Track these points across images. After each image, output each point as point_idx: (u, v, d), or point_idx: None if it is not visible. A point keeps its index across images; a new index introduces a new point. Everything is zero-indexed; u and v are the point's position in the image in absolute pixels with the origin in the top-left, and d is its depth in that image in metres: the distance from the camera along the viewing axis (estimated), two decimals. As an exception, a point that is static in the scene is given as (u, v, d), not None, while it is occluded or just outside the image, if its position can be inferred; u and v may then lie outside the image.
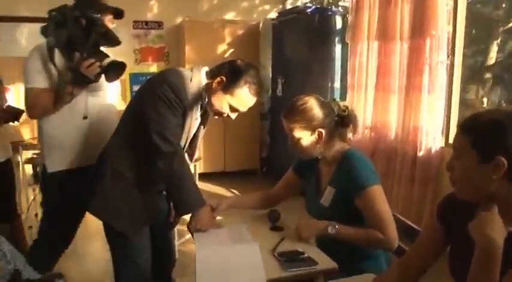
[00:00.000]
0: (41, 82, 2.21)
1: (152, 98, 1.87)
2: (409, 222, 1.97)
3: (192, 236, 2.00)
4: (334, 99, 1.97)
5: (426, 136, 3.48)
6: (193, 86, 1.93)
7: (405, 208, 3.58)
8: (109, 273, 3.19)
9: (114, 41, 2.23)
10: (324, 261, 1.69)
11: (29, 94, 2.23)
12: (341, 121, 1.91)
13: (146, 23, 5.88)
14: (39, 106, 2.22)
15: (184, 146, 2.04)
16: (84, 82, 2.16)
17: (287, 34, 5.27)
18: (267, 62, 5.85)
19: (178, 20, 5.89)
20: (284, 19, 5.29)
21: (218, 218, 2.08)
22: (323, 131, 1.86)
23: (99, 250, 3.73)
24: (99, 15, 2.20)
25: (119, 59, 2.17)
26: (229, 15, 6.14)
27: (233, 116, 2.00)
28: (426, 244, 1.45)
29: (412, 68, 3.57)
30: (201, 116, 2.06)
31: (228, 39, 5.73)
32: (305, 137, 1.87)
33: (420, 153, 3.50)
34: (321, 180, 1.99)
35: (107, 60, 2.14)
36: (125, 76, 5.67)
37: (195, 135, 2.12)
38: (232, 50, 5.73)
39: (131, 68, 5.62)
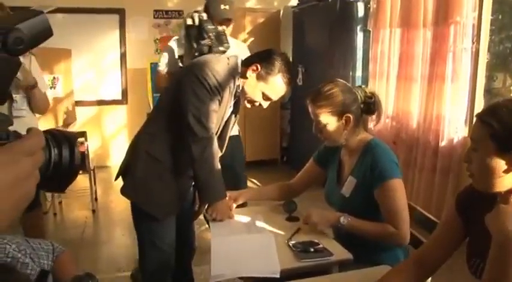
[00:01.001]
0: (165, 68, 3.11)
1: (193, 82, 1.89)
2: (428, 215, 1.94)
3: (208, 225, 2.03)
4: (361, 86, 1.94)
5: (449, 126, 3.42)
6: (229, 73, 1.95)
7: (426, 199, 3.53)
8: (130, 259, 3.28)
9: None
10: (339, 252, 1.69)
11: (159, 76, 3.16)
12: (367, 108, 1.88)
13: (167, 12, 5.89)
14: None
15: (217, 133, 2.06)
16: None
17: (308, 22, 5.22)
18: (288, 50, 5.80)
19: (199, 8, 5.88)
20: (305, 7, 5.23)
21: (234, 207, 2.09)
22: (351, 117, 1.83)
23: (121, 237, 3.81)
24: None
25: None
26: (250, 3, 6.11)
27: (265, 104, 2.01)
28: (444, 236, 1.44)
29: (435, 56, 3.50)
30: (234, 104, 2.09)
31: (249, 28, 5.71)
32: (332, 123, 1.83)
33: (442, 144, 3.44)
34: (342, 170, 1.96)
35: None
36: (146, 65, 5.78)
37: (227, 123, 2.14)
38: (252, 38, 5.71)
39: (152, 57, 5.67)
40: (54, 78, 4.80)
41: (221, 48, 2.53)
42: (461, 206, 1.41)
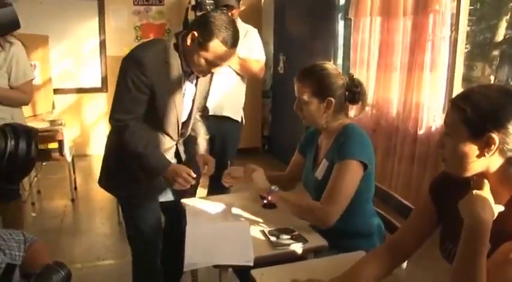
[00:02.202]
0: None
1: (119, 76, 1.90)
2: (406, 202, 1.94)
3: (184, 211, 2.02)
4: (350, 74, 1.92)
5: (427, 114, 3.44)
6: (157, 62, 1.89)
7: (404, 186, 3.56)
8: (109, 248, 3.26)
9: None
10: (314, 239, 1.70)
11: None
12: (351, 96, 1.87)
13: (147, -2, 5.80)
14: None
15: (186, 119, 2.11)
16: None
17: (289, 10, 5.19)
18: (269, 38, 5.78)
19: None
20: (286, -6, 5.20)
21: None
22: (333, 101, 1.82)
23: (100, 226, 3.78)
24: None
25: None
26: (232, -9, 6.04)
27: (215, 71, 1.96)
28: (418, 222, 1.44)
29: (414, 45, 3.50)
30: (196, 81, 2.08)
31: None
32: (313, 103, 1.83)
33: (421, 131, 3.47)
34: (318, 154, 1.97)
35: None
36: (126, 53, 5.68)
37: (193, 104, 2.13)
38: (234, 26, 5.66)
39: (132, 44, 5.56)
40: (31, 65, 4.68)
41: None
42: (435, 191, 1.41)
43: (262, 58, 3.18)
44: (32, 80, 2.75)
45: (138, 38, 5.85)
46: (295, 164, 2.17)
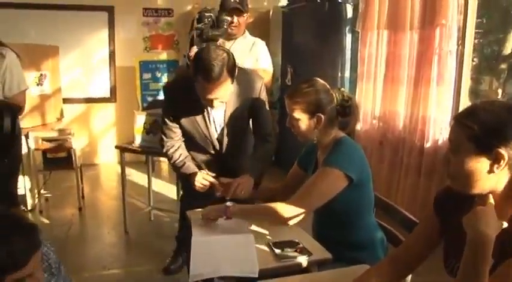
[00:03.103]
0: None
1: None
2: (412, 217, 1.94)
3: (190, 222, 2.04)
4: (340, 88, 1.97)
5: (434, 127, 3.45)
6: (188, 81, 2.15)
7: (411, 199, 3.57)
8: (116, 257, 3.27)
9: None
10: (318, 252, 1.70)
11: None
12: (342, 111, 1.92)
13: (156, 10, 5.88)
14: None
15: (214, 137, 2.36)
16: None
17: (297, 22, 5.23)
18: (277, 50, 5.81)
19: (188, 7, 5.88)
20: (294, 7, 5.25)
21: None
22: (322, 117, 1.86)
23: (106, 235, 3.80)
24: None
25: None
26: (240, 3, 6.10)
27: (210, 104, 2.11)
28: (421, 236, 1.45)
29: (421, 59, 3.53)
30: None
31: (238, 27, 5.70)
32: (304, 119, 1.88)
33: (427, 144, 3.48)
34: (317, 168, 1.97)
35: None
36: (135, 64, 5.76)
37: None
38: (242, 38, 5.71)
39: (141, 55, 5.65)
40: (41, 75, 4.76)
41: (214, 33, 2.62)
42: (439, 206, 1.42)
43: (269, 68, 3.21)
44: (26, 90, 2.76)
45: (147, 49, 5.92)
46: (291, 176, 2.19)
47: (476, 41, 3.48)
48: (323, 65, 4.73)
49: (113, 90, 5.91)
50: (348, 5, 4.60)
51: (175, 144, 2.37)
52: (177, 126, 2.33)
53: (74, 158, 4.14)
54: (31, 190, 4.22)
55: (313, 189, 1.79)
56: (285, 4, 5.62)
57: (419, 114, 3.55)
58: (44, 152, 4.18)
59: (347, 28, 4.63)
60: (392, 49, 3.86)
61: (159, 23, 5.92)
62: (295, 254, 1.67)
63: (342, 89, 1.98)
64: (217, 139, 2.37)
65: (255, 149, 2.41)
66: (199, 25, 2.66)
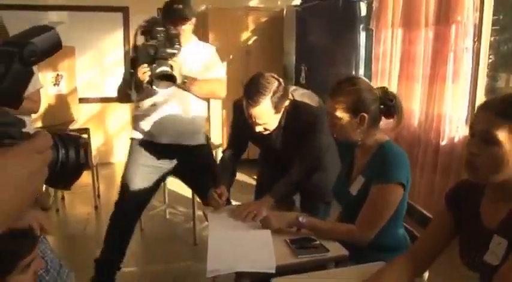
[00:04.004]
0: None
1: None
2: (429, 214, 1.93)
3: (206, 219, 2.05)
4: (384, 87, 1.88)
5: (450, 125, 3.42)
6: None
7: (427, 196, 3.53)
8: (131, 255, 3.29)
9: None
10: (336, 249, 1.70)
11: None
12: (386, 110, 1.82)
13: (170, 10, 5.91)
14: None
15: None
16: (140, 87, 2.45)
17: (311, 21, 5.22)
18: (291, 49, 5.82)
19: (202, 7, 5.90)
20: (308, 6, 5.24)
21: (234, 203, 2.12)
22: (366, 117, 1.77)
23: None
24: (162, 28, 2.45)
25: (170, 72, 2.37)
26: (253, 2, 6.11)
27: (254, 127, 2.11)
28: (436, 231, 1.46)
29: (436, 56, 3.49)
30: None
31: (252, 27, 5.72)
32: (346, 119, 1.79)
33: (443, 142, 3.44)
34: (353, 167, 1.95)
35: (158, 70, 2.35)
36: (150, 63, 5.79)
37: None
38: (255, 37, 5.72)
39: (155, 55, 5.66)
40: (57, 75, 4.82)
41: (169, 51, 2.42)
42: (451, 202, 1.42)
43: (224, 77, 2.90)
44: (40, 88, 2.80)
45: (162, 49, 5.95)
46: None
47: (492, 38, 3.44)
48: (337, 63, 4.72)
49: (128, 90, 5.94)
50: (361, 3, 4.58)
51: (230, 159, 2.40)
52: (241, 143, 2.41)
53: (89, 157, 4.18)
54: (47, 189, 4.28)
55: (379, 209, 1.74)
56: (299, 3, 5.61)
57: (435, 111, 3.52)
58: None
59: (361, 26, 4.61)
60: (407, 47, 3.82)
61: (174, 23, 5.95)
62: (312, 250, 1.67)
63: (386, 87, 1.89)
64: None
65: (291, 170, 2.26)
66: (153, 42, 2.41)
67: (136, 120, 2.77)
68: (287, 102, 2.09)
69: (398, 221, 1.87)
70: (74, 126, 4.88)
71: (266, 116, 2.03)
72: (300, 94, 2.23)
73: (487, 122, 1.20)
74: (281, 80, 2.07)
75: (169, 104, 2.64)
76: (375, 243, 1.77)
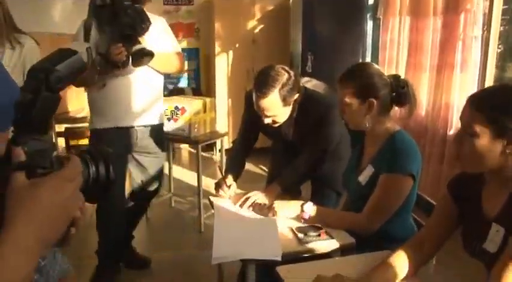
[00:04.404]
0: None
1: None
2: (435, 203, 1.92)
3: (212, 207, 2.06)
4: (396, 75, 1.84)
5: (457, 114, 3.39)
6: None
7: (434, 186, 3.52)
8: (136, 244, 3.31)
9: (141, 28, 2.31)
10: (342, 237, 1.70)
11: None
12: (397, 98, 1.78)
13: (177, -2, 5.88)
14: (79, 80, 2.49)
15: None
16: (112, 68, 2.33)
17: (318, 9, 5.17)
18: (298, 37, 5.77)
19: (208, -5, 5.87)
20: (315, -6, 5.19)
21: (234, 187, 2.13)
22: (375, 102, 1.74)
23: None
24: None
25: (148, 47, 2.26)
26: (260, -10, 6.06)
27: (262, 118, 2.09)
28: (439, 220, 1.46)
29: (444, 45, 3.45)
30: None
31: (258, 15, 5.67)
32: (355, 104, 1.76)
33: (450, 132, 3.42)
34: (362, 156, 1.93)
35: (135, 48, 2.24)
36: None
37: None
38: (262, 25, 5.68)
39: (161, 43, 5.64)
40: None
41: (144, 26, 2.33)
42: (454, 192, 1.43)
43: (179, 49, 2.81)
44: None
45: (168, 38, 5.93)
46: None
47: (502, 28, 3.39)
48: (344, 51, 4.68)
49: (134, 78, 5.94)
50: (369, -9, 4.52)
51: (240, 150, 2.41)
52: (252, 134, 2.39)
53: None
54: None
55: (387, 199, 1.73)
56: (305, -9, 5.56)
57: (443, 101, 3.49)
58: (67, 139, 4.24)
59: (368, 15, 4.56)
60: (415, 35, 3.78)
61: (180, 11, 5.92)
62: (318, 238, 1.67)
63: (398, 74, 1.85)
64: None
65: (298, 159, 2.25)
66: (127, 19, 2.29)
67: (96, 108, 2.63)
68: (297, 95, 2.07)
69: (407, 212, 1.86)
70: (79, 114, 4.88)
71: (275, 108, 2.02)
72: (313, 85, 2.21)
73: (467, 116, 1.24)
74: (292, 72, 2.04)
75: (130, 83, 2.55)
76: (383, 233, 1.76)
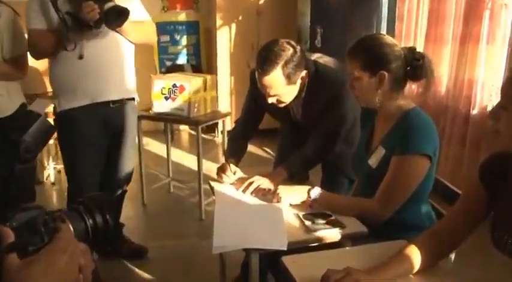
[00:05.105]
0: (38, 23, 2.40)
1: None
2: (456, 189, 1.88)
3: (213, 192, 2.05)
4: (411, 47, 1.80)
5: (482, 92, 3.34)
6: None
7: (454, 171, 3.48)
8: (133, 232, 3.31)
9: None
10: (353, 225, 1.68)
11: (29, 35, 2.48)
12: (412, 72, 1.74)
13: (174, -34, 5.80)
14: (39, 48, 2.47)
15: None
16: (84, 28, 2.29)
17: (328, -23, 5.09)
18: (306, 9, 5.69)
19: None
20: (326, -40, 5.10)
21: (239, 174, 2.11)
22: (386, 75, 1.70)
23: (123, 208, 3.84)
24: None
25: (122, 5, 2.23)
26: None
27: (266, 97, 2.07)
28: (465, 208, 1.42)
29: (469, 14, 3.37)
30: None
31: (263, -16, 5.59)
32: (365, 78, 1.73)
33: (474, 111, 3.37)
34: (373, 137, 1.90)
35: (107, 5, 2.20)
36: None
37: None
38: (268, -3, 5.60)
39: (158, 16, 5.58)
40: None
41: None
42: (486, 175, 1.37)
43: (150, 19, 2.78)
44: (27, 51, 2.67)
45: (165, 9, 5.87)
46: None
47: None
48: (356, 24, 4.61)
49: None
50: (385, -44, 4.43)
51: (241, 132, 2.39)
52: (256, 116, 2.38)
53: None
54: (42, 162, 4.29)
55: (400, 183, 1.70)
56: (315, -43, 5.46)
57: (466, 77, 3.43)
58: (54, 120, 4.21)
59: (384, -18, 4.48)
60: (436, 4, 3.71)
61: (177, -19, 5.85)
62: (327, 226, 1.65)
63: (414, 46, 1.81)
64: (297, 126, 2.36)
65: (307, 142, 2.23)
66: None
67: (66, 85, 2.54)
68: (304, 73, 2.04)
69: (424, 198, 1.83)
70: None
71: (278, 87, 1.99)
72: (324, 62, 2.17)
73: (506, 84, 1.20)
74: (298, 47, 2.00)
75: (103, 53, 2.50)
76: (397, 220, 1.73)
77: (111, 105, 2.60)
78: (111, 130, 2.68)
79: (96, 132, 2.59)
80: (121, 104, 2.65)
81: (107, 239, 0.80)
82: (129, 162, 2.87)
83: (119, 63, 2.60)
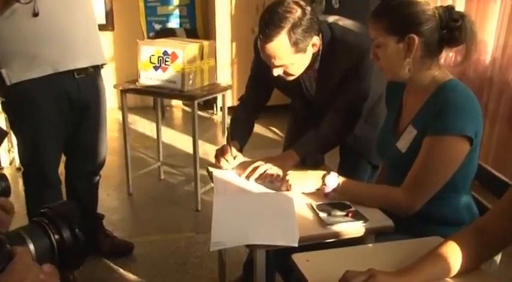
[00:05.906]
0: None
1: None
2: (501, 176, 1.88)
3: (211, 179, 2.08)
4: (448, 6, 1.76)
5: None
6: None
7: (499, 156, 3.51)
8: (117, 225, 3.34)
9: None
10: (377, 218, 1.69)
11: None
12: (448, 35, 1.69)
13: None
14: None
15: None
16: None
17: None
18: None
19: None
20: None
21: (240, 159, 2.12)
22: (416, 40, 1.67)
23: (106, 198, 3.87)
24: None
25: None
26: None
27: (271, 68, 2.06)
28: None
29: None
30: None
31: None
32: (390, 44, 1.70)
33: (525, 85, 3.37)
34: (401, 116, 1.90)
35: None
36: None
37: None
38: None
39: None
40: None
41: None
42: None
43: None
44: None
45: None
46: None
47: None
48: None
49: (109, 15, 5.89)
50: None
51: (247, 109, 2.41)
52: (262, 90, 2.39)
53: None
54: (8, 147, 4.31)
55: (433, 169, 1.69)
56: None
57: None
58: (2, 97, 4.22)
59: None
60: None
61: None
62: (346, 219, 1.65)
63: (451, 5, 1.77)
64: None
65: (323, 121, 2.24)
66: None
67: (20, 51, 2.43)
68: (317, 39, 2.02)
69: (463, 187, 1.82)
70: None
71: (284, 56, 1.97)
72: (342, 26, 2.15)
73: None
74: (308, 8, 1.98)
75: (62, 9, 2.45)
76: (429, 213, 1.73)
77: (75, 76, 2.55)
78: (77, 106, 2.62)
79: (58, 109, 2.54)
80: (87, 73, 2.61)
81: (78, 257, 0.78)
82: (100, 144, 2.85)
83: (82, 22, 2.55)
